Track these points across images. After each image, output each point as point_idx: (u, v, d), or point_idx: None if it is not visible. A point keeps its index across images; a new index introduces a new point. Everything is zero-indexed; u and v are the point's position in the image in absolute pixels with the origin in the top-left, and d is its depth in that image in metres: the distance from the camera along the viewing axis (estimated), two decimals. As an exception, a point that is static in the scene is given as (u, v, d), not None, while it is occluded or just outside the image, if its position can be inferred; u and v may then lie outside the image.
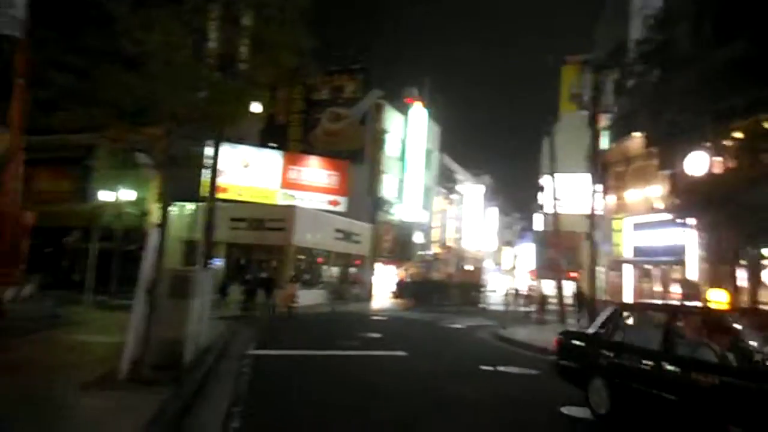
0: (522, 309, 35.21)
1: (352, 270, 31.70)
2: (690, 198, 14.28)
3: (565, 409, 7.01)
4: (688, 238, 16.11)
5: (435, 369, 10.06)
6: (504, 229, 76.97)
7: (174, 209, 29.59)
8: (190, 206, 28.19)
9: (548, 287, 47.25)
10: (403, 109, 38.48)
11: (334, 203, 31.43)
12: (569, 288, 45.34)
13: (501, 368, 10.25)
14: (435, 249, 45.85)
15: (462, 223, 52.98)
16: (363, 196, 33.45)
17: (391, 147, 36.56)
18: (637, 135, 19.22)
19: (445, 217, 48.60)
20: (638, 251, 18.75)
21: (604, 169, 21.44)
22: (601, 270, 31.64)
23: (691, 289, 15.00)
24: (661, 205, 18.74)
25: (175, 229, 27.98)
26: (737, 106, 11.75)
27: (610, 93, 12.73)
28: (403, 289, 30.87)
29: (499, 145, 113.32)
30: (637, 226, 18.94)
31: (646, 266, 18.99)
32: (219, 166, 29.27)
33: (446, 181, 49.40)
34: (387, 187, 35.85)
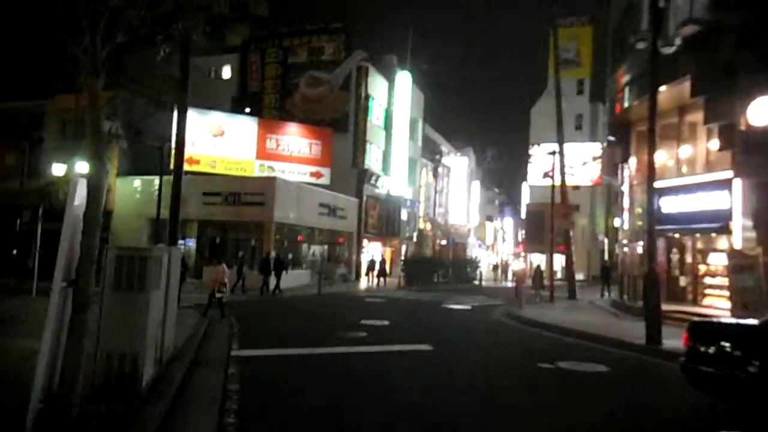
0: (509, 285, 33.51)
1: (342, 248, 29.15)
2: (753, 152, 12.20)
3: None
4: (734, 202, 14.06)
5: (482, 371, 7.72)
6: (485, 204, 75.33)
7: (137, 184, 26.55)
8: (157, 181, 24.92)
9: (537, 260, 45.65)
10: (388, 74, 35.66)
11: (317, 175, 28.70)
12: (558, 262, 43.77)
13: (562, 365, 7.97)
14: (421, 224, 43.63)
15: (447, 197, 50.80)
16: (347, 168, 30.76)
17: (374, 115, 33.81)
18: (663, 89, 17.01)
19: (430, 190, 46.30)
20: (666, 219, 16.67)
21: (625, 131, 19.28)
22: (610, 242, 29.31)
23: (745, 260, 12.97)
24: (692, 167, 16.70)
25: (140, 205, 25.08)
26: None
27: (672, 23, 10.46)
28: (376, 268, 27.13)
29: (478, 118, 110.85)
30: (666, 191, 16.82)
31: (676, 235, 16.99)
32: (190, 134, 26.29)
33: (429, 153, 46.98)
34: (372, 159, 33.22)
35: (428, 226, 45.53)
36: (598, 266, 47.20)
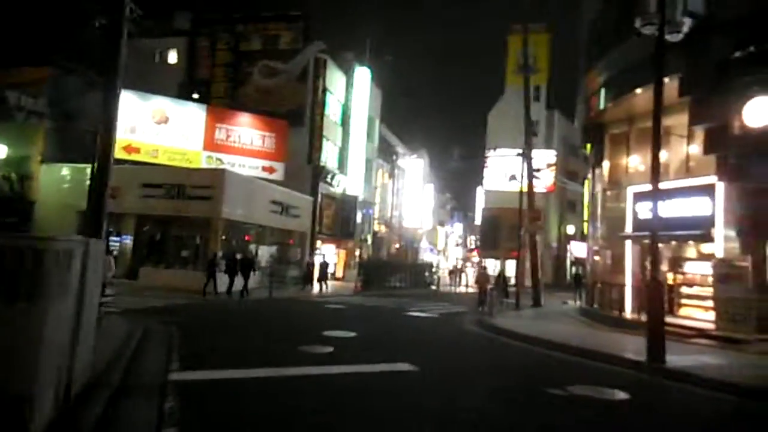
0: (464, 290, 32.83)
1: (294, 250, 27.24)
2: (747, 155, 11.55)
3: None
4: (717, 208, 13.48)
5: (485, 399, 6.34)
6: (437, 209, 75.00)
7: (66, 173, 23.78)
8: (89, 170, 22.20)
9: (492, 266, 45.19)
10: (346, 69, 34.15)
11: (270, 170, 26.79)
12: (510, 268, 43.41)
13: (574, 390, 6.73)
14: (376, 226, 42.30)
15: (401, 199, 49.71)
16: (301, 164, 28.98)
17: (331, 111, 32.18)
18: (639, 92, 16.43)
19: (386, 192, 45.04)
20: (643, 225, 16.04)
21: (598, 134, 18.60)
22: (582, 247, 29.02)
23: (732, 270, 12.33)
24: (667, 172, 16.14)
25: (70, 196, 22.36)
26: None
27: (680, 5, 9.52)
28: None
29: (428, 122, 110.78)
30: (640, 197, 16.21)
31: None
32: (130, 119, 23.75)
33: (384, 153, 45.78)
34: (327, 156, 31.58)
35: (383, 228, 44.28)
36: (551, 273, 47.45)
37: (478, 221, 58.75)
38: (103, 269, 5.92)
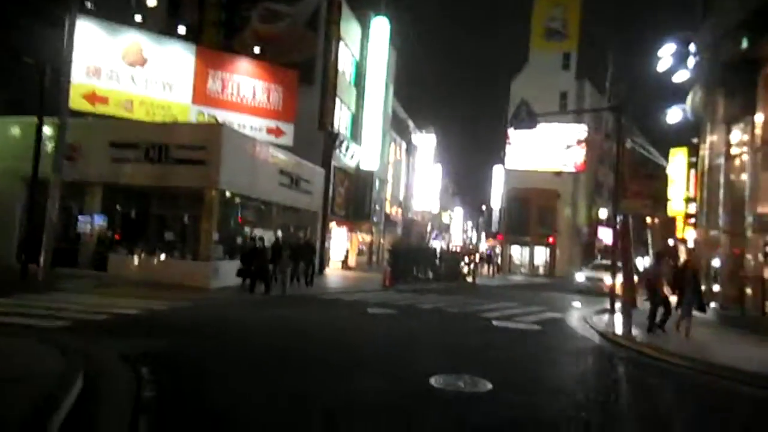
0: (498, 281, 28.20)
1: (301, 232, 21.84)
2: None
3: None
4: None
5: None
6: (442, 193, 70.17)
7: (15, 131, 18.21)
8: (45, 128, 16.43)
9: (517, 252, 40.27)
10: (361, 18, 28.67)
11: (277, 132, 21.38)
12: (540, 256, 38.60)
13: None
14: (387, 208, 37.14)
15: (413, 179, 44.51)
16: (309, 129, 23.57)
17: (344, 68, 26.76)
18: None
19: (399, 170, 39.81)
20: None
21: (745, 77, 13.48)
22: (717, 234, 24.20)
23: None
24: None
25: (17, 161, 16.82)
26: None
27: None
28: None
29: (437, 95, 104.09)
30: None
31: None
32: (93, 58, 18.18)
33: (395, 127, 40.47)
34: (340, 121, 26.26)
35: (395, 210, 39.16)
36: (579, 263, 42.53)
37: (494, 204, 53.95)
38: None
